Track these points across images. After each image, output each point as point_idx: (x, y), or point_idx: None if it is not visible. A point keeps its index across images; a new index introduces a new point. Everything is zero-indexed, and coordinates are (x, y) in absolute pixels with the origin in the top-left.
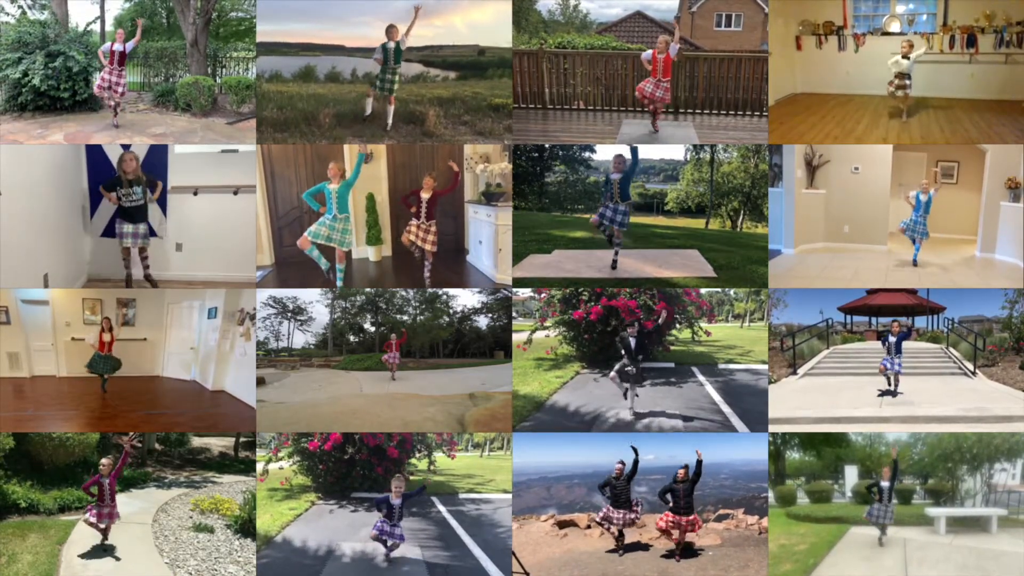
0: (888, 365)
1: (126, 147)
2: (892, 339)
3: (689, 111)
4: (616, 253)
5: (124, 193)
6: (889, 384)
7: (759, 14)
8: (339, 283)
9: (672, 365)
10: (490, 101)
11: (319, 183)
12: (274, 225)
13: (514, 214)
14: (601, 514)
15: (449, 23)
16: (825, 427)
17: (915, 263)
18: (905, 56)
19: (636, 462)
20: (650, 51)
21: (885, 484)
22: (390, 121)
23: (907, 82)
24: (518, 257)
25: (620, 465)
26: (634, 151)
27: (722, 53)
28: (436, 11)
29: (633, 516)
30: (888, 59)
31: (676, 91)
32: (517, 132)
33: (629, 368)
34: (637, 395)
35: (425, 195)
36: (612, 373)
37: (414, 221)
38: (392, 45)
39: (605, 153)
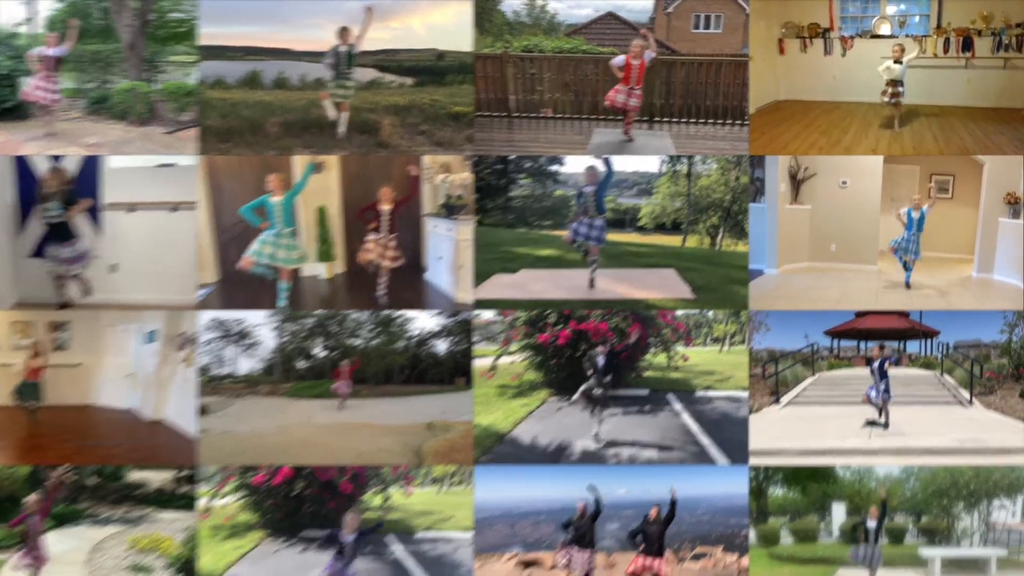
0: (872, 394)
1: (57, 159)
2: (875, 364)
3: (665, 119)
4: (593, 271)
5: (43, 208)
6: (880, 416)
7: (740, 15)
8: (282, 303)
9: (646, 392)
10: (450, 109)
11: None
12: (219, 239)
13: (477, 231)
14: (565, 557)
15: (406, 25)
16: (810, 460)
17: (908, 285)
18: (897, 61)
19: (598, 501)
20: (622, 57)
21: (872, 524)
22: (343, 129)
23: (900, 89)
24: (482, 277)
25: (583, 504)
26: (607, 161)
27: (700, 57)
28: (392, 12)
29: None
30: (878, 64)
31: (651, 98)
32: (480, 142)
33: (596, 391)
34: (602, 420)
35: (386, 207)
36: (576, 396)
37: (372, 237)
38: (344, 49)
39: (574, 165)
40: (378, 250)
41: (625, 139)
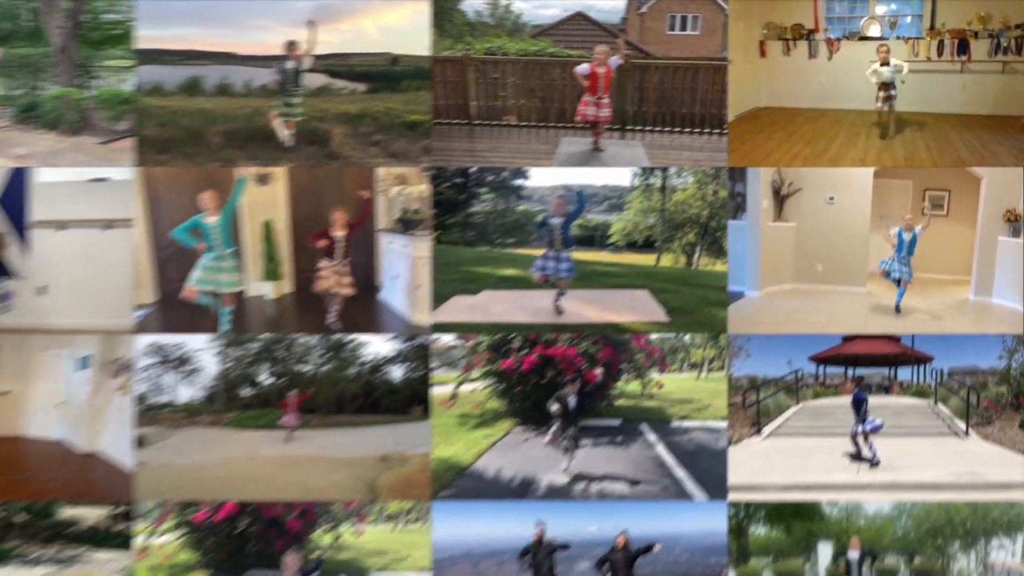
0: (856, 431)
1: None
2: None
3: (637, 128)
4: (558, 299)
5: None
6: (855, 448)
7: (719, 16)
8: (225, 328)
9: (617, 422)
10: (405, 118)
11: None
12: (157, 257)
13: (436, 249)
14: None
15: (358, 27)
16: (794, 495)
17: (898, 310)
18: (884, 63)
19: (554, 541)
20: (587, 65)
21: (854, 555)
22: (291, 142)
23: (893, 92)
24: (441, 299)
25: (540, 528)
26: (581, 196)
27: (676, 61)
28: (342, 13)
29: None
30: (867, 68)
31: (623, 105)
32: (438, 152)
33: (569, 430)
34: (573, 457)
35: (339, 233)
36: (546, 440)
37: (325, 263)
38: (292, 65)
39: (540, 178)
40: (334, 278)
41: (595, 150)
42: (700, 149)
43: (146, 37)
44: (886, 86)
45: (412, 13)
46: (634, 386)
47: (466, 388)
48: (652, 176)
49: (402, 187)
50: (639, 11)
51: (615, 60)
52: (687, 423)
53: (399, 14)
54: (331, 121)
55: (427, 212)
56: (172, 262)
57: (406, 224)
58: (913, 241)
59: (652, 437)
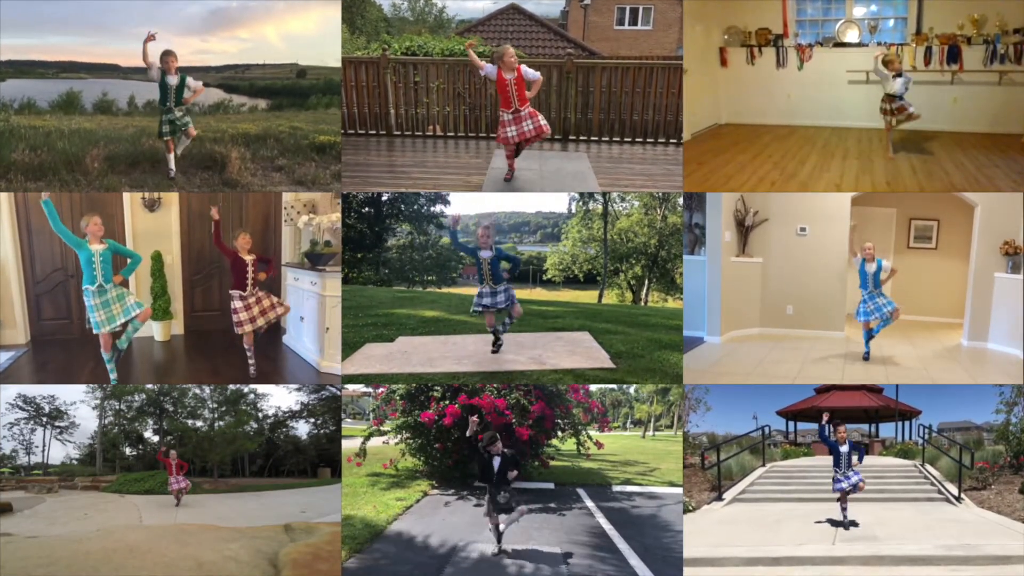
0: (846, 485)
1: None
2: (844, 449)
3: (582, 138)
4: (503, 329)
5: None
6: (844, 513)
7: (675, 7)
8: (113, 378)
9: (551, 486)
10: (313, 139)
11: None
12: (30, 292)
13: (345, 290)
14: None
15: (259, 35)
16: (761, 571)
17: (866, 356)
18: (897, 74)
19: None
20: (493, 67)
21: None
22: (174, 167)
23: (900, 103)
24: (351, 347)
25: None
26: (515, 263)
27: (626, 61)
28: (241, 20)
29: None
30: (843, 79)
31: (565, 111)
32: (353, 168)
33: (499, 497)
34: (501, 528)
35: (248, 257)
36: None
37: (239, 303)
38: (175, 80)
39: (462, 204)
40: (257, 309)
41: (505, 180)
42: (654, 162)
43: (12, 46)
44: (892, 98)
45: (320, 19)
46: (569, 445)
47: (376, 442)
48: (592, 200)
49: (311, 216)
50: (582, 2)
51: (533, 73)
52: (631, 488)
53: (306, 20)
54: (227, 143)
55: (339, 244)
56: (47, 298)
57: (314, 259)
58: (877, 272)
59: (590, 503)
